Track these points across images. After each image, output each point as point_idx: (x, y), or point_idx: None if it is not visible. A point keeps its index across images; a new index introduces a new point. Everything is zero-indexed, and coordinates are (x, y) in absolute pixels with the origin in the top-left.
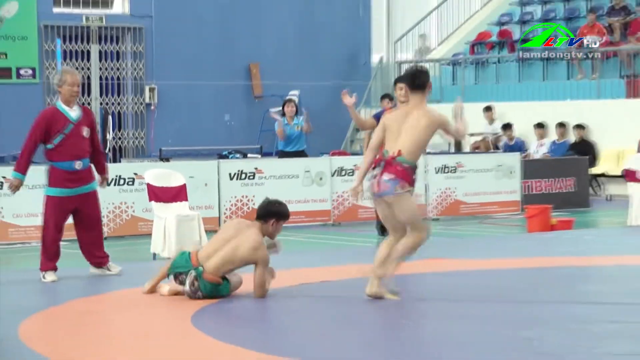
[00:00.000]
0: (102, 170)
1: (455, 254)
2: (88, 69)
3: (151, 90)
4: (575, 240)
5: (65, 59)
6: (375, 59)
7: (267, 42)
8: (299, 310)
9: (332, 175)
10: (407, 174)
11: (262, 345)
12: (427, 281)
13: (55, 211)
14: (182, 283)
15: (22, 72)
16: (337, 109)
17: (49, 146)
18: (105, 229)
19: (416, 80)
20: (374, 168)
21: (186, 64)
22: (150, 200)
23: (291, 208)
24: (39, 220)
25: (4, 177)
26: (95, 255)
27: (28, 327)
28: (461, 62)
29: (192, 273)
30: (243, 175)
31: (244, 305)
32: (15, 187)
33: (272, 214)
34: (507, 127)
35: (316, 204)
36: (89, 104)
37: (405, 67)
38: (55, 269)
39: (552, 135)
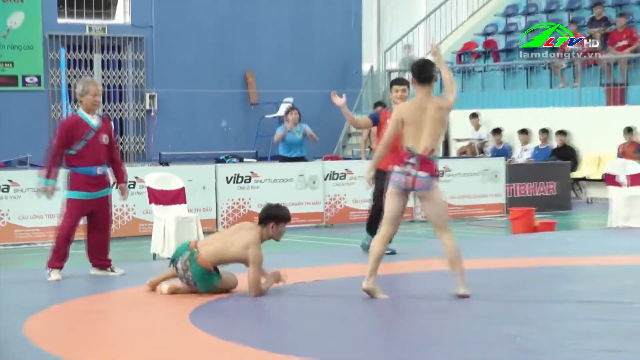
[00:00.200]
0: (121, 179)
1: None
2: (91, 77)
3: (151, 97)
4: (558, 241)
5: (69, 67)
6: (365, 68)
7: (263, 52)
8: (294, 308)
9: (325, 179)
10: (437, 170)
11: (259, 342)
12: (416, 280)
13: (74, 213)
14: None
15: (27, 80)
16: (329, 116)
17: (71, 152)
18: None
19: (423, 72)
20: (404, 164)
21: (185, 72)
22: (150, 202)
23: None
24: (43, 222)
25: (10, 181)
26: (99, 257)
27: (33, 325)
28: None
29: (187, 254)
30: (239, 179)
31: (240, 303)
32: (51, 193)
33: (270, 217)
34: (496, 131)
35: (310, 206)
36: None
37: (394, 75)
38: (61, 268)
39: (535, 140)
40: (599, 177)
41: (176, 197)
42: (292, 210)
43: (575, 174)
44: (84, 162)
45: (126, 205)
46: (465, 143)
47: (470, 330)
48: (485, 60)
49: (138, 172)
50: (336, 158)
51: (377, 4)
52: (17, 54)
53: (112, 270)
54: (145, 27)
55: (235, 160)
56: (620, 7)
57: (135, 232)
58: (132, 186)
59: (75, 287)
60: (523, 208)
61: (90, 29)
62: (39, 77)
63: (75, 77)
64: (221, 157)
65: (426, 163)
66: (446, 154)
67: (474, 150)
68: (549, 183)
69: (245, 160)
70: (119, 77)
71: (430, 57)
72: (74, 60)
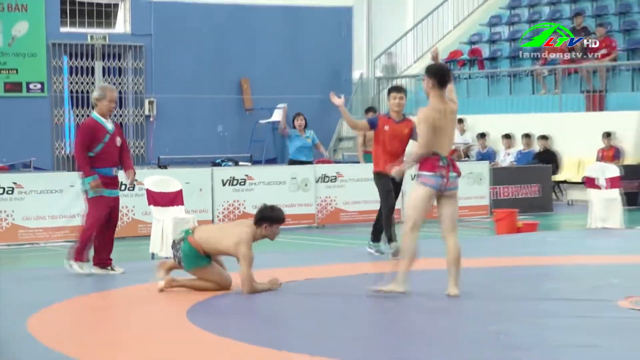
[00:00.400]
0: (130, 166)
1: (430, 253)
2: (92, 83)
3: (150, 103)
4: (540, 241)
5: (71, 74)
6: (355, 75)
7: (257, 60)
8: (288, 305)
9: (317, 182)
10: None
11: (254, 338)
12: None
13: (100, 210)
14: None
15: (31, 86)
16: (321, 121)
17: (90, 154)
18: None
19: (446, 77)
20: (437, 167)
21: (183, 79)
22: (149, 204)
23: None
24: (46, 223)
25: (14, 183)
26: (102, 255)
27: (36, 322)
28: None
29: (182, 234)
30: (234, 182)
31: (236, 300)
32: (98, 187)
33: (263, 219)
34: (481, 136)
35: (302, 208)
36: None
37: (383, 82)
38: (87, 261)
39: (518, 145)
40: (579, 180)
41: (174, 199)
42: (285, 211)
43: (557, 177)
44: (102, 163)
45: (126, 207)
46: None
47: (457, 328)
48: (471, 68)
49: (137, 175)
50: (327, 161)
51: (367, 14)
52: (21, 62)
53: (112, 269)
54: (145, 36)
55: (230, 163)
56: (600, 17)
57: (135, 232)
58: (131, 188)
59: (76, 285)
60: (506, 209)
61: (91, 37)
62: (42, 83)
63: (77, 83)
64: (217, 161)
65: (453, 164)
66: None
67: (459, 155)
68: (532, 186)
69: (240, 163)
70: (119, 84)
71: (430, 61)
72: (76, 67)
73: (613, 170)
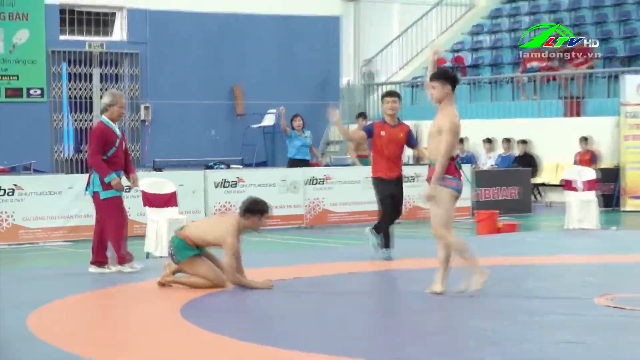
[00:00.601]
0: (132, 169)
1: (415, 254)
2: (90, 89)
3: (146, 108)
4: (520, 241)
5: (69, 80)
6: (343, 81)
7: (249, 67)
8: (280, 303)
9: (305, 184)
10: None
11: (246, 335)
12: (391, 278)
13: (120, 209)
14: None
15: (31, 92)
16: (310, 126)
17: (103, 157)
18: None
19: (457, 81)
20: (457, 170)
21: (177, 85)
22: (144, 205)
23: None
24: (46, 223)
25: (15, 185)
26: (101, 253)
27: (36, 319)
28: (420, 84)
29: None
30: (226, 184)
31: (229, 298)
32: (120, 184)
33: (247, 210)
34: (460, 141)
35: (291, 209)
36: (91, 120)
37: (369, 89)
38: (130, 260)
39: (499, 149)
40: (557, 182)
41: (168, 200)
42: (274, 212)
43: (536, 180)
44: (114, 166)
45: None
46: None
47: (443, 325)
48: None
49: None
50: (316, 165)
51: (354, 23)
52: (22, 68)
53: (108, 268)
54: (141, 44)
55: (222, 166)
56: (578, 27)
57: (130, 232)
58: (127, 190)
59: (74, 284)
60: (487, 211)
61: (89, 45)
62: (42, 89)
63: (75, 89)
64: (210, 164)
65: (460, 168)
66: (418, 161)
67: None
68: (512, 188)
69: (232, 166)
70: (116, 90)
71: (429, 62)
72: (75, 74)
73: (589, 174)
